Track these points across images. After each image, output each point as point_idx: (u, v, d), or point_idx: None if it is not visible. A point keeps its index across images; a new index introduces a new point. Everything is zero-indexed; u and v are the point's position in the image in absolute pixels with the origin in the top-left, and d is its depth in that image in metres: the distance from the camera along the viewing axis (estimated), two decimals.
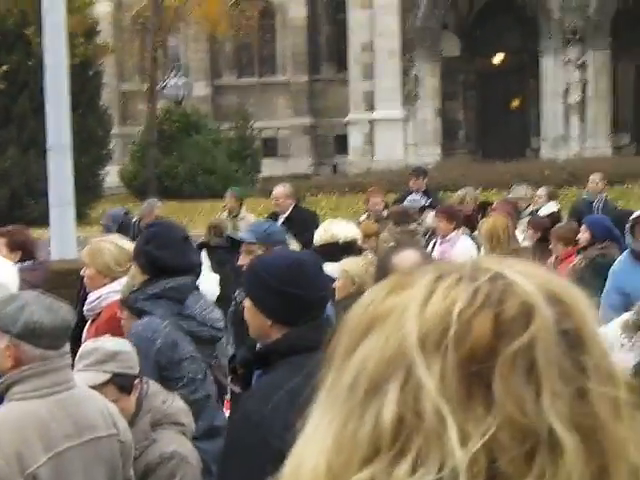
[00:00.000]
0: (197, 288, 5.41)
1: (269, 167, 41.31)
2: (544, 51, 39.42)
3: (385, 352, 1.04)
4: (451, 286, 1.05)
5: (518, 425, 1.01)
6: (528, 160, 38.54)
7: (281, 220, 11.72)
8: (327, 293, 3.77)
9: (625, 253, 7.98)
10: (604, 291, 7.87)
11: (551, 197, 13.18)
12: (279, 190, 12.50)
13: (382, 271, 4.23)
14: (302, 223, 10.71)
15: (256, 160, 39.38)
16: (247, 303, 3.76)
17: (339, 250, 6.43)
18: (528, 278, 1.06)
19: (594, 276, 8.52)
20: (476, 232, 11.49)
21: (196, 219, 29.78)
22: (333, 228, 6.93)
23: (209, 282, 6.85)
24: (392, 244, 9.95)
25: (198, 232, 25.69)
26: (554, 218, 11.54)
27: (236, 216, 13.32)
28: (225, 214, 13.72)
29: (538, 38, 39.69)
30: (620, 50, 40.27)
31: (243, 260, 6.44)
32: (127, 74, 46.50)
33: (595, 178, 14.49)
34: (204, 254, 9.73)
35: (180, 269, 5.26)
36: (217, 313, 5.45)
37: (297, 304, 3.55)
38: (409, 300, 1.06)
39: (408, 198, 13.38)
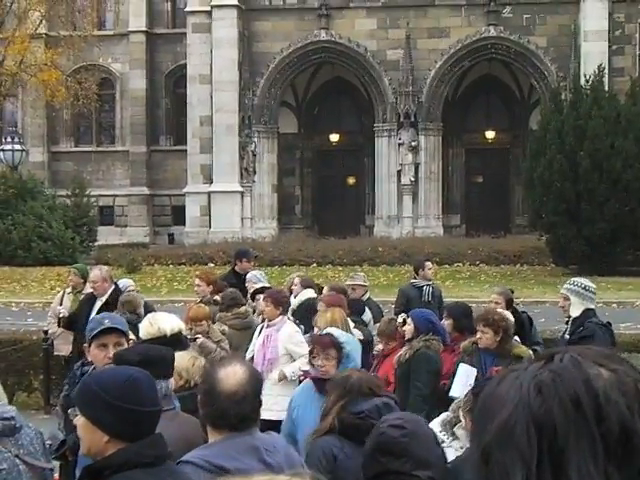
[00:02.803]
0: None
1: (105, 235, 41.15)
2: (379, 132, 40.53)
3: None
4: None
5: None
6: (362, 237, 39.41)
7: (99, 304, 11.52)
8: (160, 408, 3.93)
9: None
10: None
11: (305, 285, 12.95)
12: (96, 274, 12.00)
13: (207, 384, 4.37)
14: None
15: (92, 228, 39.10)
16: (81, 420, 3.82)
17: (167, 343, 6.53)
18: None
19: (418, 366, 8.98)
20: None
21: (29, 286, 29.35)
22: (159, 322, 6.98)
23: None
24: (223, 336, 10.13)
25: (31, 299, 25.51)
26: (310, 304, 11.44)
27: (80, 292, 13.16)
28: (69, 289, 13.58)
29: (374, 120, 40.85)
30: (451, 135, 41.77)
31: (111, 351, 5.89)
32: None
33: (429, 264, 14.94)
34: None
35: None
36: (5, 407, 5.47)
37: (133, 419, 3.70)
38: None
39: (252, 274, 13.33)
